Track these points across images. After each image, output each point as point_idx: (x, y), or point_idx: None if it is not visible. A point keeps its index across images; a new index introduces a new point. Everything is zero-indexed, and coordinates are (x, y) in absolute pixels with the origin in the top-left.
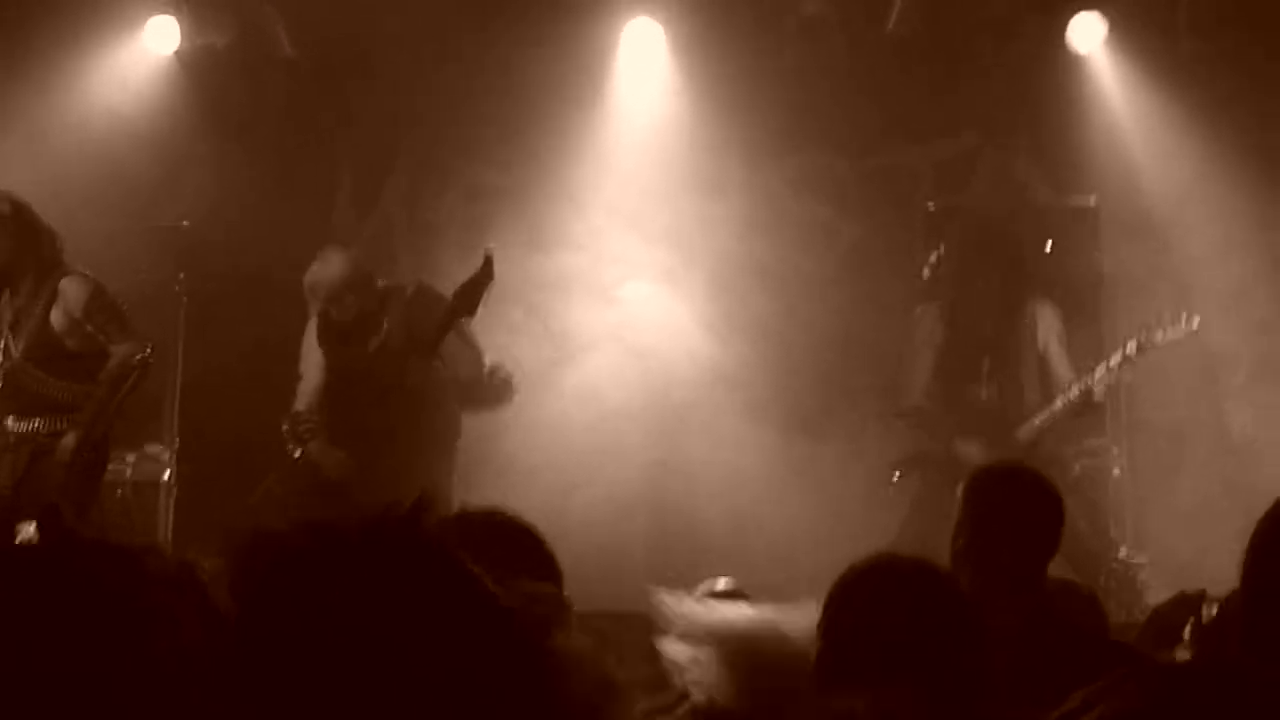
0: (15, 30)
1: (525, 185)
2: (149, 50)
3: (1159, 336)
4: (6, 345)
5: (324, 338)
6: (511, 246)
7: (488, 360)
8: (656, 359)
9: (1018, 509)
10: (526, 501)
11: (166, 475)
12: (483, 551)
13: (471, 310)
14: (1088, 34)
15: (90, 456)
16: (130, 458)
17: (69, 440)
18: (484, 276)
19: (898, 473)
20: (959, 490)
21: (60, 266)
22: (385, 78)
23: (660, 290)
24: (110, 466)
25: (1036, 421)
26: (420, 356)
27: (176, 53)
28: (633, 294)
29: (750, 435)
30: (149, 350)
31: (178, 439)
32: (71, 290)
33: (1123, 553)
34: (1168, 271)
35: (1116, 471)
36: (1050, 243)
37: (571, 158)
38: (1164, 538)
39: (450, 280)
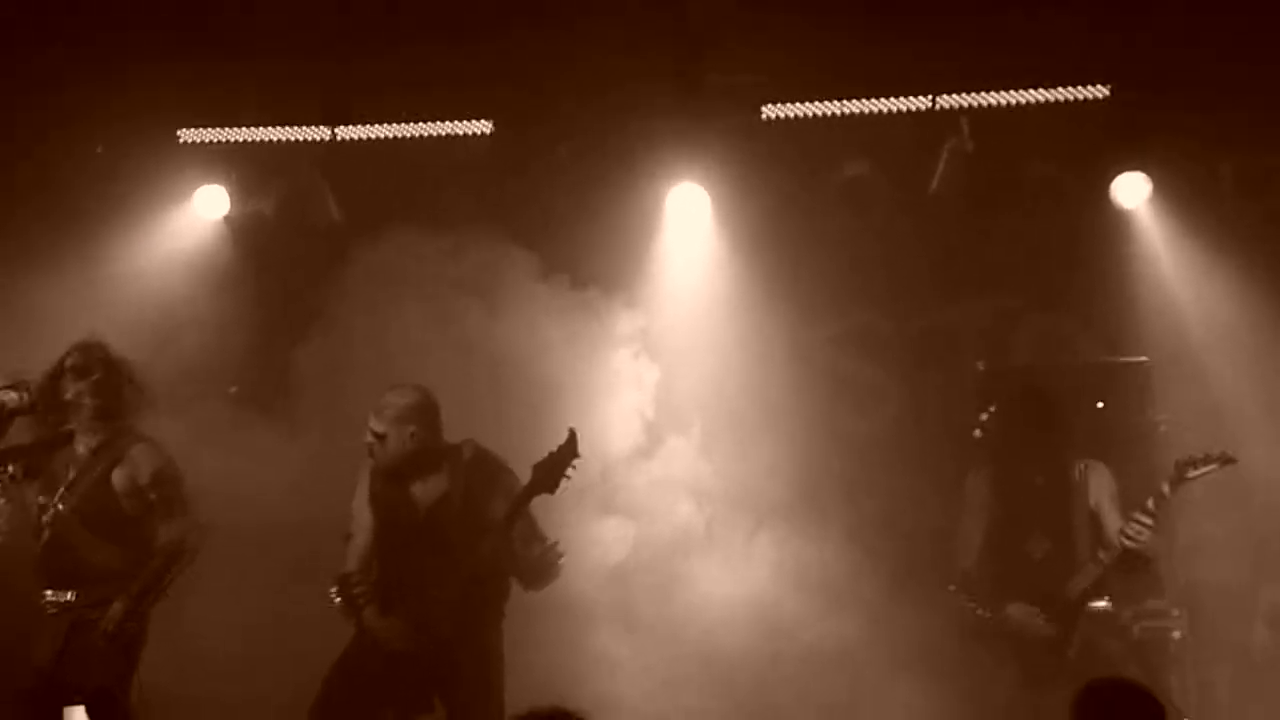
0: (69, 196)
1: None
2: (199, 216)
3: (1191, 472)
4: (59, 499)
5: (376, 476)
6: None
7: (544, 538)
8: (693, 517)
9: None
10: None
11: None
12: None
13: (552, 487)
14: (1132, 192)
15: (133, 628)
16: None
17: (116, 610)
18: (568, 454)
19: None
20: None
21: (133, 430)
22: (431, 241)
23: (702, 449)
24: None
25: (1084, 579)
26: (497, 533)
27: (226, 218)
28: (674, 454)
29: (791, 598)
30: (206, 528)
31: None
32: (142, 457)
33: None
34: (1222, 425)
35: (1177, 634)
36: (1101, 403)
37: (619, 320)
38: (1232, 703)
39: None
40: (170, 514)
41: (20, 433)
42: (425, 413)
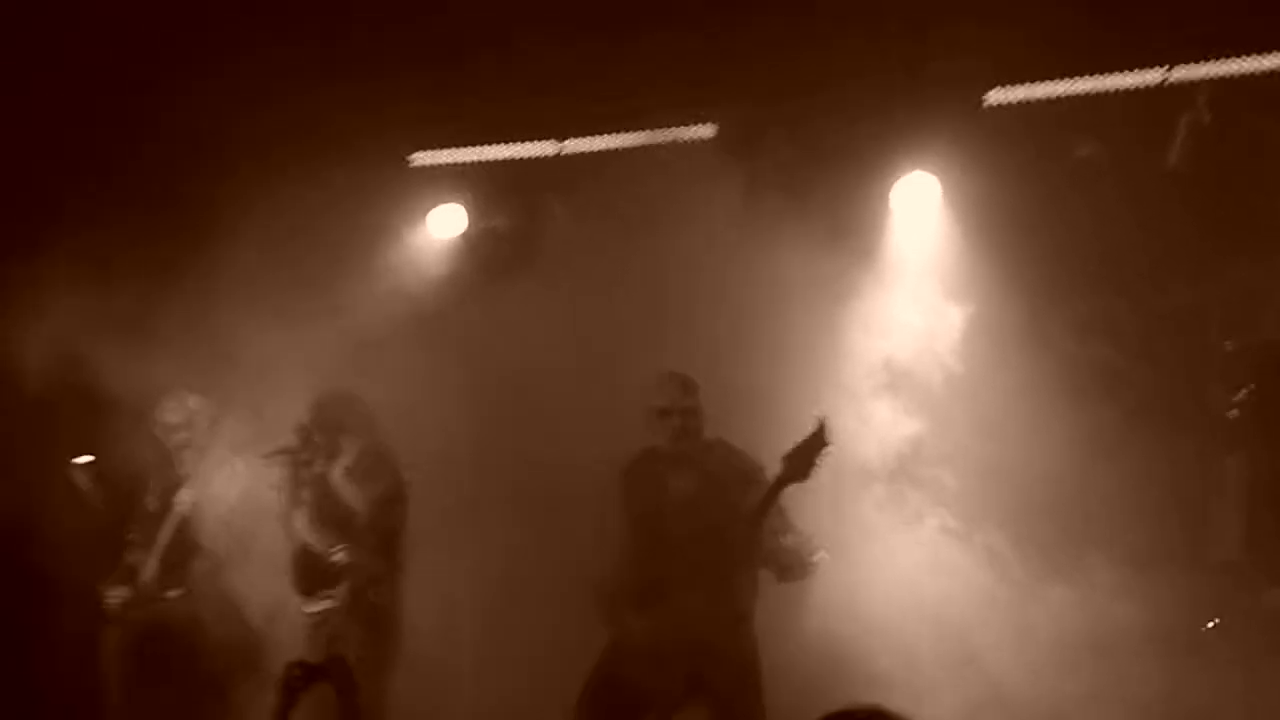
0: (305, 219)
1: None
2: (435, 236)
3: None
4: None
5: (631, 477)
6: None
7: (797, 530)
8: (936, 517)
9: None
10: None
11: None
12: None
13: (804, 476)
14: None
15: (378, 599)
16: None
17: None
18: (818, 442)
19: (1214, 621)
20: None
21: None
22: (649, 250)
23: (940, 439)
24: None
25: None
26: (748, 526)
27: (463, 236)
28: (908, 445)
29: (1032, 587)
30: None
31: None
32: (371, 464)
33: None
34: None
35: None
36: None
37: (848, 308)
38: None
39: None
40: (370, 480)
41: None
42: (692, 401)
